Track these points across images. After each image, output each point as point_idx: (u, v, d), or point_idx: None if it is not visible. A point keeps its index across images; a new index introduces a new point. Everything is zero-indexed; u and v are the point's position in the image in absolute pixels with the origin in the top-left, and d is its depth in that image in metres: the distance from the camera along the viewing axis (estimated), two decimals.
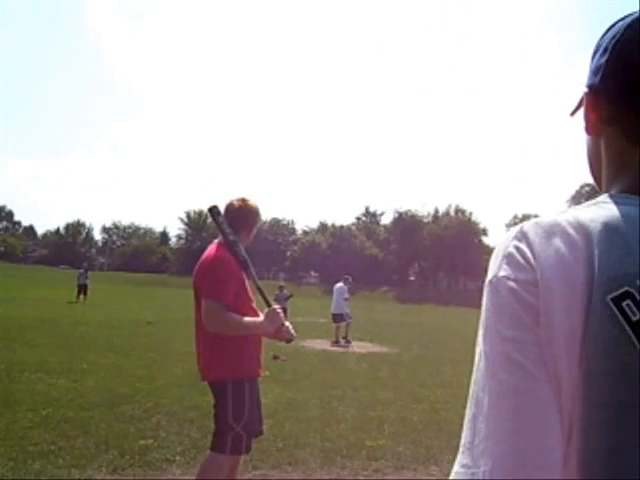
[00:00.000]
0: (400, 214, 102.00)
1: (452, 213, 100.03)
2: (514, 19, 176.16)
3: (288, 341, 4.63)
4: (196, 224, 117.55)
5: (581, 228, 0.97)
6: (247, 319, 4.34)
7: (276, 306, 4.47)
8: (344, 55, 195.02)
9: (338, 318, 20.14)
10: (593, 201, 1.05)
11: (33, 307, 27.03)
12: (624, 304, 0.91)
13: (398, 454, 6.89)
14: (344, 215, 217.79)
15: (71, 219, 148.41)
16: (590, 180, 1.20)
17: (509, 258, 0.98)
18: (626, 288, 0.91)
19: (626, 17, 1.10)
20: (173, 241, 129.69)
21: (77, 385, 10.01)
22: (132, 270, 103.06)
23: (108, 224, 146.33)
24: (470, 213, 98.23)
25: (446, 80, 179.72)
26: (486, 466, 0.90)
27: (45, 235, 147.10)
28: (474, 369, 0.97)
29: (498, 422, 0.92)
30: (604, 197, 1.05)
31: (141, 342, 16.21)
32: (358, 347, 18.66)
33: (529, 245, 0.98)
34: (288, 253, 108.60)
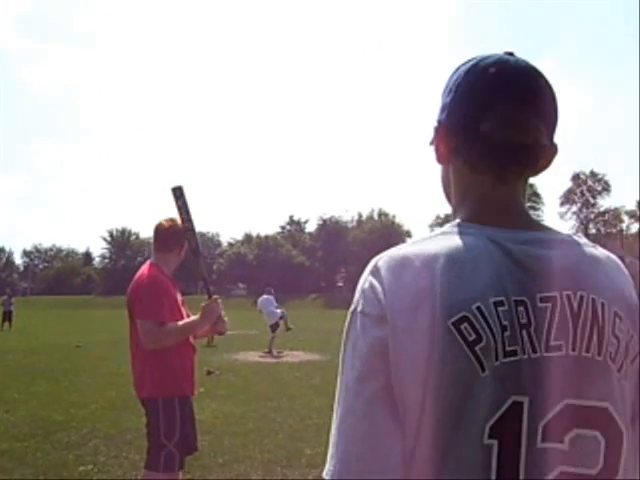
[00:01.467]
0: (324, 221, 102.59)
1: (376, 217, 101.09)
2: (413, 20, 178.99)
3: (221, 333, 4.70)
4: (119, 242, 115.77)
5: (426, 261, 1.14)
6: (182, 323, 4.42)
7: (216, 296, 4.52)
8: (259, 61, 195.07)
9: (275, 327, 20.19)
10: (441, 230, 1.23)
11: None
12: (462, 327, 1.09)
13: None
14: (269, 225, 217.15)
15: None
16: None
17: (364, 293, 1.18)
18: (463, 313, 1.09)
19: (468, 62, 1.31)
20: (97, 261, 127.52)
21: (9, 416, 9.85)
22: (56, 293, 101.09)
23: (29, 247, 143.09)
24: (394, 216, 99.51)
25: (363, 80, 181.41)
26: (334, 466, 1.13)
27: None
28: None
29: (342, 434, 1.13)
30: (450, 226, 1.24)
31: (72, 367, 15.97)
32: (290, 356, 18.72)
33: (381, 282, 1.15)
34: (215, 266, 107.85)
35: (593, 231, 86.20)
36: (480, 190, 1.26)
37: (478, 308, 1.09)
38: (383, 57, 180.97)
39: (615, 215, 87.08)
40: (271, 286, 22.03)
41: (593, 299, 1.16)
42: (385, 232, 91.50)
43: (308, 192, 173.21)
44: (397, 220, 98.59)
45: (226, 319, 4.63)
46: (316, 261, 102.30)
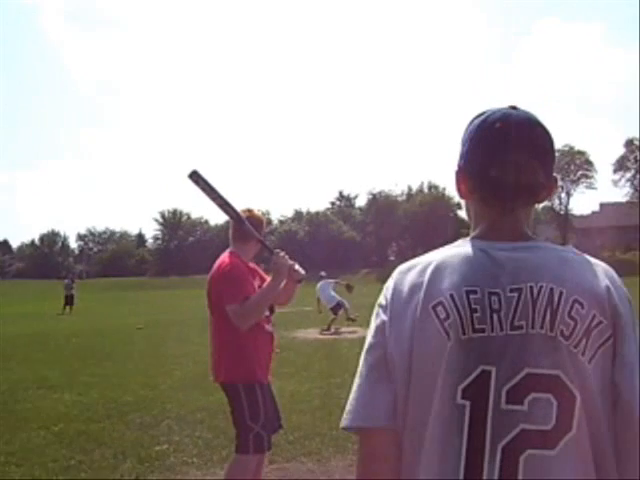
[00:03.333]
0: (374, 195, 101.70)
1: (425, 190, 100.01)
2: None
3: (300, 281, 4.80)
4: (171, 223, 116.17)
5: (426, 264, 1.56)
6: (261, 290, 4.54)
7: (277, 250, 4.61)
8: (306, 38, 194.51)
9: (337, 309, 20.49)
10: (456, 243, 1.63)
11: (22, 322, 27.05)
12: (437, 309, 1.49)
13: None
14: (319, 201, 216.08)
15: (45, 229, 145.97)
16: None
17: (384, 290, 1.63)
18: (440, 299, 1.49)
19: (479, 115, 1.65)
20: (150, 242, 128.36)
21: (82, 398, 10.17)
22: (111, 275, 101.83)
23: (83, 231, 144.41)
24: (444, 188, 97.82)
25: (411, 53, 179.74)
26: (345, 416, 1.59)
27: (21, 248, 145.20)
28: None
29: (353, 392, 1.59)
30: (461, 241, 1.63)
31: (136, 348, 16.36)
32: (349, 333, 18.82)
33: (393, 282, 1.61)
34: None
35: None
36: (491, 218, 1.61)
37: (451, 295, 1.48)
38: (427, 25, 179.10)
39: None
40: (322, 268, 22.40)
41: (551, 288, 1.46)
42: (435, 205, 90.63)
43: (357, 167, 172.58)
44: (447, 192, 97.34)
45: (297, 266, 4.70)
46: (367, 236, 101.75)
